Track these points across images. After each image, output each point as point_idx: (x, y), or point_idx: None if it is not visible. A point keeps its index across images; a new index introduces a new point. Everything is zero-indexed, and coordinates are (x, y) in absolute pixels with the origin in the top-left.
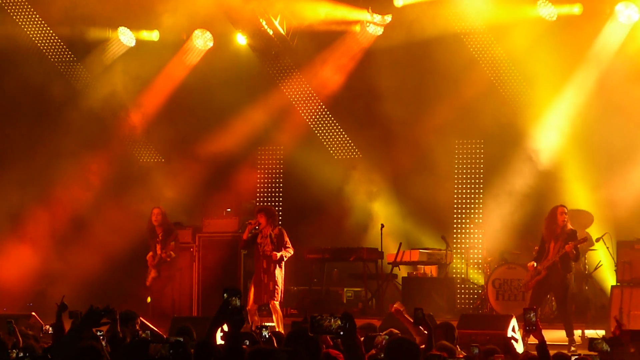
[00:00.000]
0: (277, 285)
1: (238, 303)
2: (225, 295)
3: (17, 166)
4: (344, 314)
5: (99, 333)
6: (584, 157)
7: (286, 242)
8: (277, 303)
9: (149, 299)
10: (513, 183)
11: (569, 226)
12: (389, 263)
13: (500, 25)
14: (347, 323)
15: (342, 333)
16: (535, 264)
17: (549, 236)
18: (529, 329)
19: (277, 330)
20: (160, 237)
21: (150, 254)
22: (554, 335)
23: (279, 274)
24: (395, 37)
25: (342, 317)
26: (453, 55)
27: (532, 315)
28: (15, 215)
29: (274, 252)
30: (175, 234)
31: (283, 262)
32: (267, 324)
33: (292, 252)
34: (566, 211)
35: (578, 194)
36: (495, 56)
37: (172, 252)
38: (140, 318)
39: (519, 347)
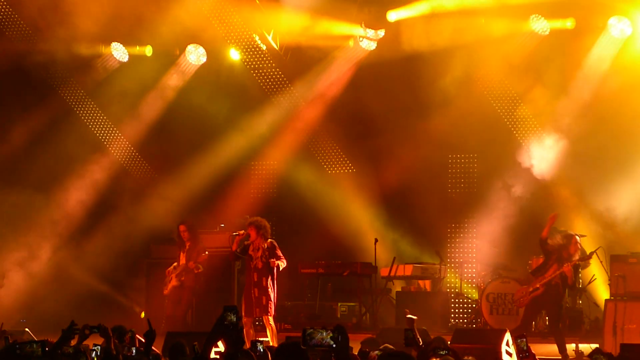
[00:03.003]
0: (270, 300)
1: (234, 318)
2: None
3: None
4: (336, 326)
5: (92, 348)
6: (578, 170)
7: (279, 254)
8: (270, 318)
9: (142, 314)
10: (507, 197)
11: (577, 255)
12: (383, 277)
13: (494, 40)
14: (340, 336)
15: (334, 346)
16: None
17: (557, 256)
18: (522, 356)
19: (270, 345)
20: (187, 247)
21: (174, 264)
22: (548, 350)
23: (271, 287)
24: (389, 52)
25: (335, 329)
26: (447, 70)
27: (523, 341)
28: (9, 231)
29: (272, 260)
30: (203, 246)
31: (276, 275)
32: (261, 338)
33: (286, 263)
34: (579, 240)
35: (572, 208)
36: (488, 70)
37: (200, 265)
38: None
39: None
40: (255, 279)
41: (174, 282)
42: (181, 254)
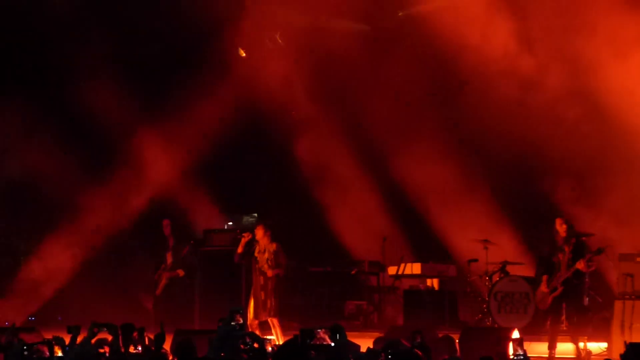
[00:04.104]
0: (276, 302)
1: (240, 320)
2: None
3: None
4: (334, 325)
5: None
6: (584, 168)
7: (281, 261)
8: (275, 319)
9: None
10: (513, 195)
11: (572, 237)
12: (390, 276)
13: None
14: (338, 335)
15: (332, 345)
16: (547, 278)
17: (553, 249)
18: None
19: (278, 344)
20: (170, 246)
21: (162, 266)
22: (562, 348)
23: (277, 289)
24: (397, 49)
25: (333, 328)
26: (453, 68)
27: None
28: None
29: (269, 271)
30: (190, 243)
31: (281, 276)
32: (269, 337)
33: (285, 270)
34: (565, 221)
35: (579, 206)
36: (493, 68)
37: (180, 271)
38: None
39: None
40: (262, 282)
41: (165, 281)
42: (167, 253)
